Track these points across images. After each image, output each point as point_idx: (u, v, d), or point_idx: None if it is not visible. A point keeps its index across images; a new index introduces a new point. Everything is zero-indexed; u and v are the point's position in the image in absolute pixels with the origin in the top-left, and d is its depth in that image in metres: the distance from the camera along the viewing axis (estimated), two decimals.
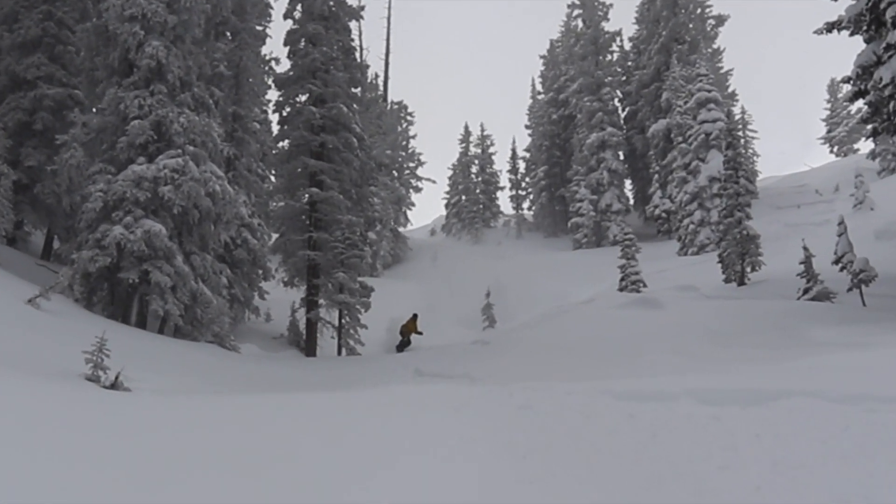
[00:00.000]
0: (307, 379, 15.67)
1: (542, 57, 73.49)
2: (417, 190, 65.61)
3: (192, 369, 14.01)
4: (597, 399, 8.16)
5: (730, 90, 63.16)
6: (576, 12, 64.56)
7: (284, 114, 29.42)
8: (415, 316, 29.36)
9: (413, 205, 64.90)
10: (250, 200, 28.63)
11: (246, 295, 28.10)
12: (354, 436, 6.58)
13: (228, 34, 28.56)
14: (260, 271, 29.21)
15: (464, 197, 71.19)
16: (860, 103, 21.11)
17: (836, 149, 70.45)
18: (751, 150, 61.86)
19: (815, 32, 20.63)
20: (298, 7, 29.67)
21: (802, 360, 11.13)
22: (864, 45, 19.56)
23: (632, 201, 61.50)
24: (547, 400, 8.25)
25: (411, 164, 65.91)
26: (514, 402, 8.19)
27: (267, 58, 31.37)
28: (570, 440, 6.43)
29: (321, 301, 27.57)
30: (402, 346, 28.25)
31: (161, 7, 20.22)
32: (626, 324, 19.93)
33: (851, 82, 19.84)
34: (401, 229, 61.51)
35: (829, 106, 72.06)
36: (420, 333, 28.65)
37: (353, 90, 29.96)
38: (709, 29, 59.75)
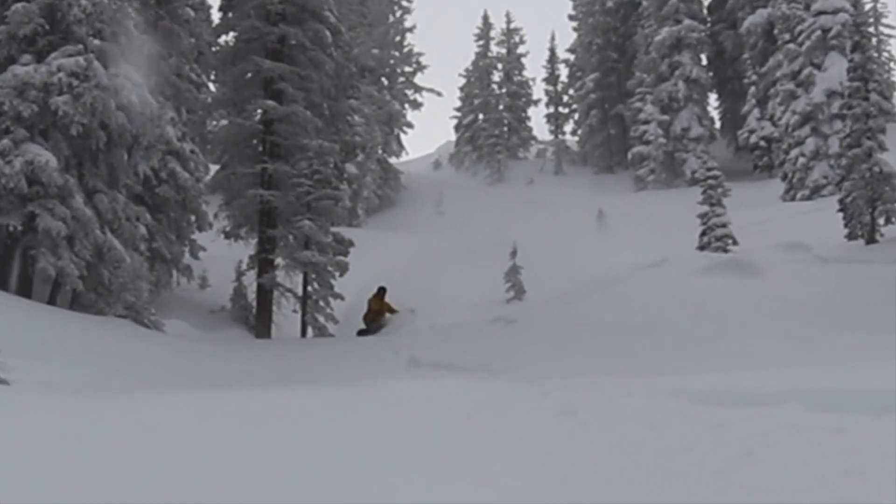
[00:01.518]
0: (258, 369, 15.68)
1: None
2: (416, 105, 65.41)
3: (96, 355, 14.01)
4: (667, 402, 8.12)
5: None
6: None
7: None
8: (381, 290, 27.40)
9: (410, 126, 64.79)
10: (180, 118, 28.47)
11: (173, 251, 28.05)
12: (323, 452, 6.52)
13: None
14: (192, 217, 29.15)
15: (481, 116, 71.07)
16: None
17: None
18: (885, 54, 61.40)
19: None
20: None
21: None
22: None
23: (718, 124, 61.28)
24: (596, 402, 8.21)
25: (408, 69, 65.58)
26: (551, 405, 8.16)
27: None
28: (628, 459, 6.37)
29: (279, 260, 27.53)
30: (376, 329, 26.43)
31: None
32: (708, 296, 19.87)
33: None
34: (392, 160, 61.50)
35: None
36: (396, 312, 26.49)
37: None
38: None
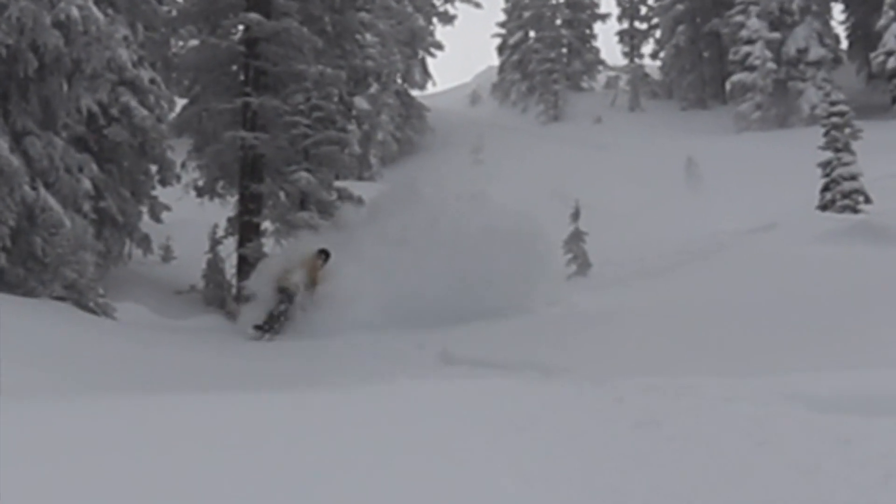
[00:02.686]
0: (238, 366, 15.74)
1: None
2: (447, 20, 65.33)
3: (23, 349, 14.06)
4: (779, 410, 8.09)
5: None
6: None
7: None
8: (323, 255, 23.96)
9: (439, 47, 64.75)
10: (136, 37, 28.51)
11: (127, 212, 28.11)
12: (320, 479, 6.48)
13: None
14: (153, 168, 29.19)
15: (533, 34, 71.00)
16: None
17: None
18: None
19: None
20: None
21: None
22: None
23: (844, 44, 60.90)
24: (686, 411, 8.18)
25: None
26: (626, 415, 8.13)
27: None
28: (729, 486, 6.34)
29: (266, 224, 27.57)
30: (273, 319, 23.29)
31: None
32: (832, 271, 19.83)
33: None
34: (416, 93, 61.53)
35: None
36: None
37: None
38: None
